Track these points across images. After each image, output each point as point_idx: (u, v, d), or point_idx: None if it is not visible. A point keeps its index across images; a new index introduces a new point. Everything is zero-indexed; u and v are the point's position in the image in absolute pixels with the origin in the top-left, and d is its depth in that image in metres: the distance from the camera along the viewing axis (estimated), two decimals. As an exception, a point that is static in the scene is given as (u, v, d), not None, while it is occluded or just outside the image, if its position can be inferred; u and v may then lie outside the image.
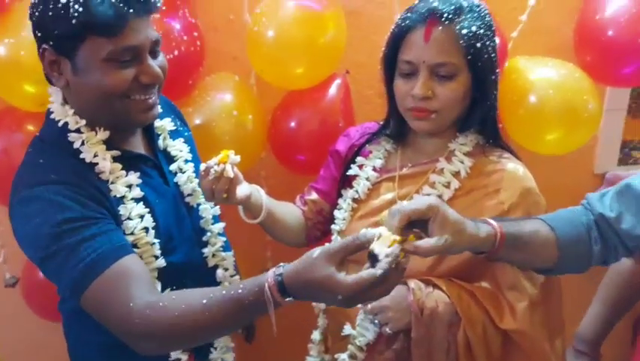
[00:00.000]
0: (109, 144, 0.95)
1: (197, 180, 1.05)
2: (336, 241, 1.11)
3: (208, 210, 1.08)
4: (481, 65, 0.96)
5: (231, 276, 1.10)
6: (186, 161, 1.07)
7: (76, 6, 0.83)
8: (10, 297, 1.56)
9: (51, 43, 0.88)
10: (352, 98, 1.49)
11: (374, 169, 1.10)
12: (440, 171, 1.03)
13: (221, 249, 1.09)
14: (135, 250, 0.92)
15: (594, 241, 0.93)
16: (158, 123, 1.05)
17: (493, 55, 0.98)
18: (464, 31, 0.94)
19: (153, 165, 1.02)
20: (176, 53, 1.28)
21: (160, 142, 1.05)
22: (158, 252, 0.95)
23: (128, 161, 0.97)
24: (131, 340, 0.85)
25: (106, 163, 0.93)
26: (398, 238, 0.74)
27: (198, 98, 1.39)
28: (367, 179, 1.09)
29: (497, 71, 1.01)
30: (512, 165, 1.02)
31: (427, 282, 0.98)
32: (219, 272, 1.08)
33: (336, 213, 1.13)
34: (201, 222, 1.07)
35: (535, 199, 1.01)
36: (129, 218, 0.93)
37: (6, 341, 1.64)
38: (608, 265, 0.99)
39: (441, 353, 0.96)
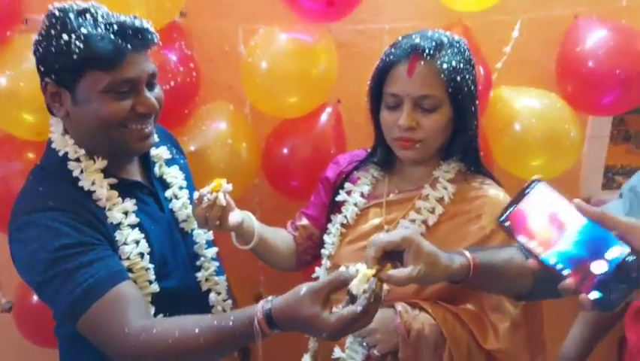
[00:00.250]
0: (107, 172, 0.98)
1: (191, 207, 1.08)
2: (325, 269, 1.13)
3: (202, 235, 1.10)
4: (461, 97, 1.01)
5: (224, 300, 1.12)
6: (181, 188, 1.11)
7: (78, 42, 0.88)
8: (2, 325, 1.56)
9: (53, 76, 0.92)
10: (344, 125, 1.53)
11: (362, 195, 1.13)
12: (425, 198, 1.07)
13: (214, 273, 1.11)
14: (130, 274, 0.94)
15: None
16: (154, 152, 1.09)
17: (472, 87, 1.03)
18: (445, 66, 0.99)
19: (149, 192, 1.05)
20: (172, 83, 1.33)
21: (156, 170, 1.08)
22: (152, 277, 0.97)
23: (125, 188, 1.00)
24: None
25: (103, 191, 0.96)
26: (374, 271, 0.79)
27: (194, 127, 1.43)
28: (355, 205, 1.13)
29: (477, 102, 1.05)
30: (493, 192, 1.06)
31: (413, 305, 1.01)
32: (212, 296, 1.10)
33: (325, 238, 1.16)
34: (195, 247, 1.10)
35: None
36: (125, 243, 0.96)
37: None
38: None
39: None
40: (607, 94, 1.44)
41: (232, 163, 1.42)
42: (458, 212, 1.05)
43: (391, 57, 1.01)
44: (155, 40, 0.94)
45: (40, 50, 0.92)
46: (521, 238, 0.68)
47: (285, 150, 1.47)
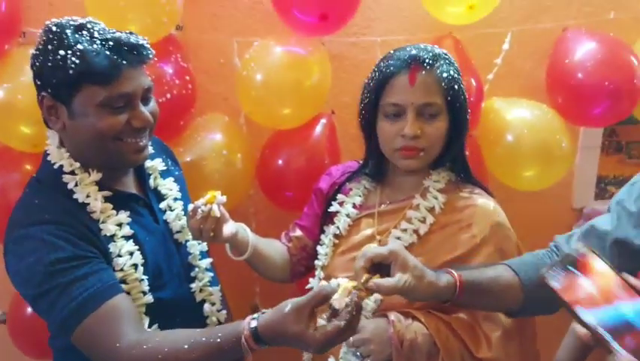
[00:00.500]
0: (102, 185, 1.00)
1: (185, 218, 1.09)
2: (318, 279, 1.14)
3: (196, 246, 1.11)
4: (458, 105, 1.04)
5: (218, 311, 1.12)
6: (175, 199, 1.12)
7: (74, 58, 0.89)
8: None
9: (49, 90, 0.93)
10: (338, 136, 1.55)
11: (354, 206, 1.14)
12: (416, 207, 1.08)
13: (208, 284, 1.12)
14: (124, 285, 0.95)
15: None
16: (149, 163, 1.10)
17: (464, 97, 1.07)
18: (444, 75, 1.02)
19: (144, 204, 1.07)
20: (168, 96, 1.34)
21: (151, 182, 1.10)
22: (146, 288, 0.98)
23: (120, 200, 1.01)
24: None
25: (97, 203, 0.97)
26: (354, 284, 0.81)
27: (189, 138, 1.45)
28: (348, 215, 1.14)
29: (469, 111, 1.08)
30: (483, 201, 1.07)
31: (406, 314, 1.02)
32: (206, 307, 1.10)
33: (318, 248, 1.17)
34: (189, 258, 1.11)
35: (505, 233, 1.06)
36: (119, 255, 0.97)
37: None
38: None
39: None
40: (596, 105, 1.46)
41: (227, 174, 1.44)
42: (449, 222, 1.06)
43: (391, 68, 1.03)
44: (151, 56, 0.96)
45: (37, 64, 0.94)
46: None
47: (280, 161, 1.49)
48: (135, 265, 0.98)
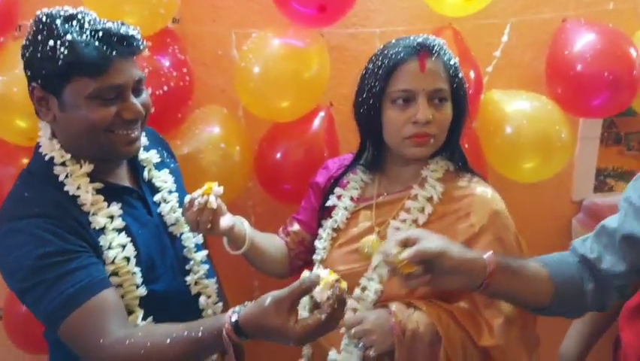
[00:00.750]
0: (94, 177, 0.99)
1: (180, 210, 1.09)
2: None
3: (190, 238, 1.10)
4: (462, 93, 1.06)
5: (214, 303, 1.12)
6: (170, 192, 1.11)
7: (63, 48, 0.88)
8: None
9: (39, 81, 0.93)
10: (336, 128, 1.54)
11: (352, 199, 1.14)
12: (414, 197, 1.08)
13: (203, 277, 1.11)
14: (116, 278, 0.95)
15: (586, 280, 0.97)
16: (143, 156, 1.09)
17: (466, 85, 1.08)
18: (452, 62, 1.04)
19: (137, 197, 1.06)
20: (165, 88, 1.33)
21: (145, 174, 1.09)
22: (139, 280, 0.98)
23: (112, 193, 1.00)
24: None
25: (87, 196, 0.96)
26: (336, 277, 0.80)
27: (187, 131, 1.43)
28: (345, 208, 1.13)
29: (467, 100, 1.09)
30: (481, 189, 1.07)
31: (407, 304, 1.01)
32: (202, 300, 1.10)
33: (316, 243, 1.16)
34: (184, 250, 1.10)
35: (504, 222, 1.05)
36: (110, 248, 0.96)
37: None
38: (606, 310, 1.02)
39: None
40: (596, 96, 1.45)
41: (225, 166, 1.42)
42: (447, 211, 1.06)
43: (401, 55, 1.02)
44: (142, 47, 0.95)
45: (27, 54, 0.93)
46: None
47: (278, 154, 1.48)
48: (127, 258, 0.97)
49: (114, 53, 0.90)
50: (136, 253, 0.98)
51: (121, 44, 0.91)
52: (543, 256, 1.01)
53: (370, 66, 1.07)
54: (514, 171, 1.53)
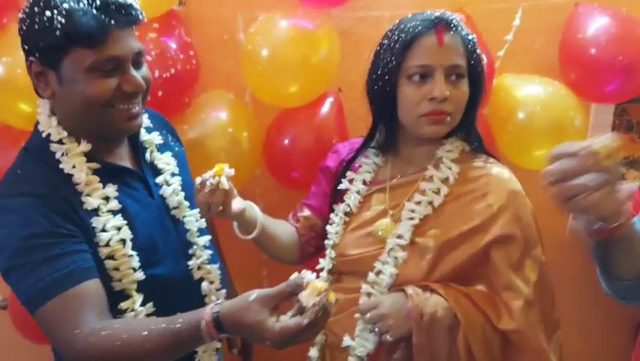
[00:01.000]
0: (93, 157, 0.96)
1: (183, 194, 1.06)
2: (329, 259, 1.11)
3: (193, 222, 1.07)
4: (480, 69, 1.03)
5: (217, 290, 1.09)
6: (173, 174, 1.08)
7: (60, 17, 0.86)
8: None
9: (37, 55, 0.90)
10: (345, 115, 1.51)
11: (364, 182, 1.11)
12: (429, 179, 1.05)
13: (206, 262, 1.08)
14: (112, 261, 0.92)
15: None
16: (145, 137, 1.06)
17: (483, 62, 1.05)
18: (469, 37, 1.02)
19: (138, 178, 1.03)
20: (172, 71, 1.30)
21: (147, 155, 1.06)
22: (136, 264, 0.95)
23: (112, 173, 0.98)
24: None
25: (82, 175, 0.93)
26: (325, 285, 0.78)
27: (193, 116, 1.41)
28: (358, 192, 1.11)
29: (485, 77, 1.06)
30: (497, 169, 1.05)
31: (424, 287, 0.99)
32: (204, 285, 1.07)
33: (328, 228, 1.14)
34: (187, 234, 1.07)
35: (522, 201, 1.03)
36: (103, 230, 0.93)
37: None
38: None
39: (443, 358, 0.96)
40: (610, 81, 1.43)
41: (233, 153, 1.40)
42: (462, 192, 1.03)
43: (419, 28, 0.99)
44: (140, 17, 0.92)
45: (24, 27, 0.90)
46: None
47: (287, 141, 1.45)
48: (123, 241, 0.94)
49: (112, 22, 0.88)
50: (133, 236, 0.96)
51: (119, 13, 0.88)
52: None
53: (385, 41, 1.04)
54: (526, 158, 1.50)
